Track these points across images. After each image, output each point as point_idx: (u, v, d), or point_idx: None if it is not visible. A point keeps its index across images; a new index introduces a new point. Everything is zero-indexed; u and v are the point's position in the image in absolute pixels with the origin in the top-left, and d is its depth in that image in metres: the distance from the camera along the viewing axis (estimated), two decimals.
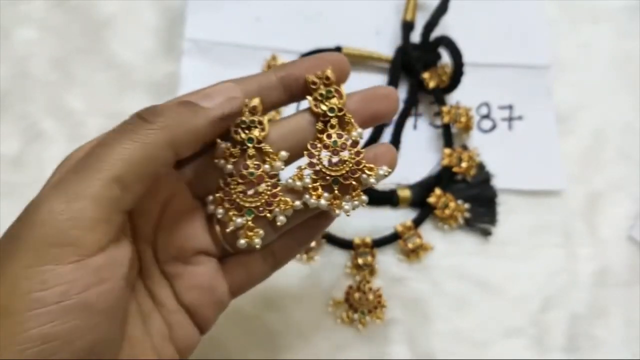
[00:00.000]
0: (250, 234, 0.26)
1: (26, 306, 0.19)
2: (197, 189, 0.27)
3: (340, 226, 0.39)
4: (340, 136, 0.25)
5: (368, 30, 0.44)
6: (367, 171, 0.25)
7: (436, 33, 0.41)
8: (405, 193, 0.40)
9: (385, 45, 0.43)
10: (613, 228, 0.41)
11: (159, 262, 0.27)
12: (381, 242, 0.39)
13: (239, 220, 0.26)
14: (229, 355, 0.36)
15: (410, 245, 0.39)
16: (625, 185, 0.42)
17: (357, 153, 0.25)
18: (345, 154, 0.25)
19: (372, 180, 0.25)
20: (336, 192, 0.25)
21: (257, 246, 0.26)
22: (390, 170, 0.26)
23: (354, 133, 0.26)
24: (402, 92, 0.42)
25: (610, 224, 0.41)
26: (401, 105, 0.41)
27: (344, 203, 0.25)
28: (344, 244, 0.39)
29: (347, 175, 0.25)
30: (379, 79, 0.42)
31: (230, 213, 0.26)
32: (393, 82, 0.42)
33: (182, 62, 0.42)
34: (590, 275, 0.40)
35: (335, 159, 0.25)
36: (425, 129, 0.42)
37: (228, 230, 0.26)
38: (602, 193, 0.41)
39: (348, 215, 0.26)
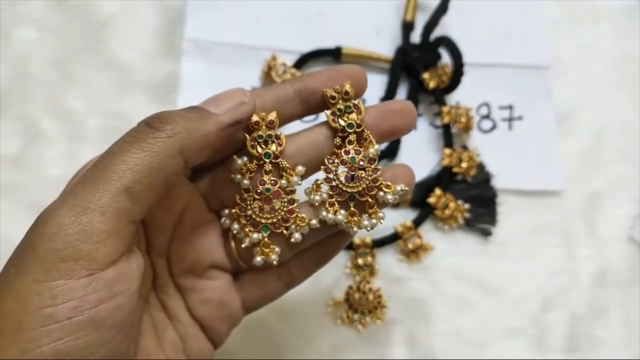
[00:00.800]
0: (266, 250, 0.26)
1: (38, 322, 0.18)
2: (212, 202, 0.27)
3: None
4: (358, 152, 0.25)
5: (368, 30, 0.44)
6: (384, 188, 0.25)
7: (436, 33, 0.41)
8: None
9: (385, 45, 0.43)
10: (613, 228, 0.41)
11: (172, 275, 0.26)
12: (381, 243, 0.39)
13: (255, 235, 0.25)
14: (229, 356, 0.36)
15: (410, 246, 0.39)
16: (625, 185, 0.42)
17: (375, 170, 0.25)
18: (362, 171, 0.25)
19: (389, 197, 0.25)
20: (352, 208, 0.25)
21: (275, 262, 0.26)
22: (407, 188, 0.25)
23: (371, 150, 0.25)
24: (402, 93, 0.42)
25: (610, 224, 0.41)
26: None
27: (362, 220, 0.25)
28: None
29: (363, 192, 0.25)
30: (379, 79, 0.42)
31: (246, 229, 0.25)
32: (393, 82, 0.42)
33: (182, 62, 0.42)
34: (590, 275, 0.40)
35: (352, 175, 0.25)
36: (425, 129, 0.42)
37: (243, 246, 0.26)
38: (602, 193, 0.41)
39: (368, 230, 0.25)
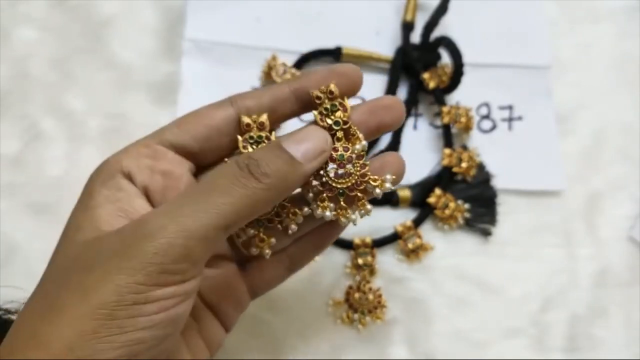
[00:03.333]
0: (261, 244, 0.27)
1: (128, 314, 0.21)
2: None
3: None
4: (346, 149, 0.26)
5: (368, 31, 0.44)
6: (372, 182, 0.26)
7: (436, 33, 0.41)
8: (405, 193, 0.40)
9: (385, 46, 0.43)
10: (613, 228, 0.41)
11: None
12: (381, 242, 0.39)
13: (251, 231, 0.27)
14: (229, 355, 0.36)
15: (410, 246, 0.39)
16: (625, 185, 0.42)
17: (363, 165, 0.26)
18: (350, 167, 0.26)
19: (377, 190, 0.26)
20: (342, 203, 0.26)
21: (267, 256, 0.27)
22: (394, 177, 0.26)
23: (357, 146, 0.26)
24: (402, 93, 0.42)
25: (610, 224, 0.41)
26: None
27: (350, 213, 0.26)
28: (344, 244, 0.39)
29: (352, 187, 0.26)
30: (379, 79, 0.42)
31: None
32: (393, 82, 0.42)
33: (182, 62, 0.42)
34: (590, 275, 0.40)
35: (341, 172, 0.26)
36: (425, 129, 0.42)
37: (240, 240, 0.27)
38: (602, 193, 0.41)
39: (355, 225, 0.27)
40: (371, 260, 0.38)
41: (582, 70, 0.44)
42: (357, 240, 0.39)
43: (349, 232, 0.39)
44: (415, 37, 0.42)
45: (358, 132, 0.26)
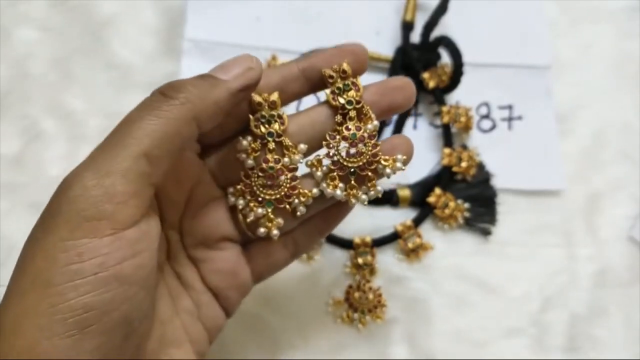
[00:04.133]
0: (269, 224, 0.27)
1: (66, 278, 0.20)
2: (219, 179, 0.28)
3: (340, 226, 0.39)
4: (358, 129, 0.26)
5: (368, 30, 0.44)
6: (383, 162, 0.26)
7: (436, 33, 0.41)
8: (405, 193, 0.40)
9: (385, 45, 0.43)
10: (613, 228, 0.41)
11: (185, 247, 0.28)
12: (381, 242, 0.39)
13: (260, 210, 0.27)
14: (229, 355, 0.36)
15: (410, 245, 0.39)
16: (625, 185, 0.42)
17: (374, 145, 0.26)
18: (362, 146, 0.26)
19: (388, 170, 0.26)
20: (352, 182, 0.26)
21: (275, 237, 0.27)
22: (406, 158, 0.26)
23: (369, 126, 0.26)
24: None
25: (610, 224, 0.41)
26: None
27: (360, 193, 0.26)
28: (344, 244, 0.39)
29: (363, 166, 0.26)
30: (379, 79, 0.42)
31: (251, 204, 0.27)
32: None
33: (182, 62, 0.42)
34: (590, 275, 0.40)
35: (352, 151, 0.26)
36: (425, 129, 0.42)
37: (248, 220, 0.27)
38: (602, 193, 0.41)
39: (364, 204, 0.26)
40: (371, 260, 0.38)
41: (582, 70, 0.44)
42: (357, 240, 0.39)
43: (349, 232, 0.39)
44: (415, 37, 0.42)
45: (370, 112, 0.26)
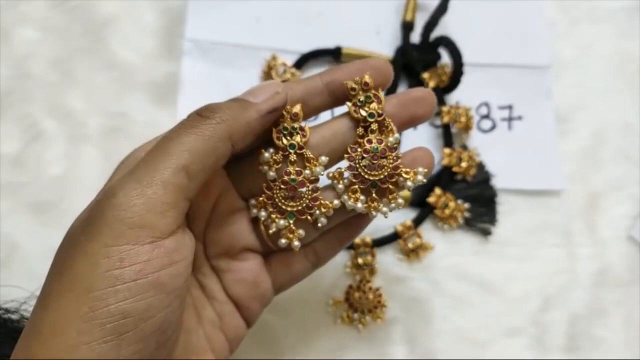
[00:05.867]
0: (290, 236, 0.27)
1: (107, 283, 0.20)
2: (241, 190, 0.29)
3: None
4: (380, 142, 0.26)
5: (368, 30, 0.44)
6: (404, 175, 0.26)
7: (436, 33, 0.41)
8: (405, 192, 0.40)
9: (385, 45, 0.43)
10: (613, 228, 0.41)
11: (208, 257, 0.28)
12: (381, 242, 0.39)
13: (282, 222, 0.27)
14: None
15: (410, 245, 0.39)
16: (625, 185, 0.42)
17: (396, 158, 0.26)
18: (383, 159, 0.26)
19: (409, 183, 0.26)
20: (373, 195, 0.26)
21: (296, 249, 0.27)
22: (427, 171, 0.26)
23: (390, 139, 0.26)
24: None
25: (610, 224, 0.41)
26: None
27: (381, 206, 0.26)
28: None
29: (385, 179, 0.26)
30: None
31: (273, 216, 0.27)
32: (393, 82, 0.41)
33: (182, 62, 0.42)
34: (590, 275, 0.40)
35: (374, 163, 0.26)
36: (425, 129, 0.42)
37: (271, 232, 0.27)
38: (602, 193, 0.41)
39: (386, 217, 0.27)
40: (371, 260, 0.38)
41: (581, 70, 0.44)
42: (357, 240, 0.39)
43: None
44: (415, 37, 0.42)
45: (392, 125, 0.26)
